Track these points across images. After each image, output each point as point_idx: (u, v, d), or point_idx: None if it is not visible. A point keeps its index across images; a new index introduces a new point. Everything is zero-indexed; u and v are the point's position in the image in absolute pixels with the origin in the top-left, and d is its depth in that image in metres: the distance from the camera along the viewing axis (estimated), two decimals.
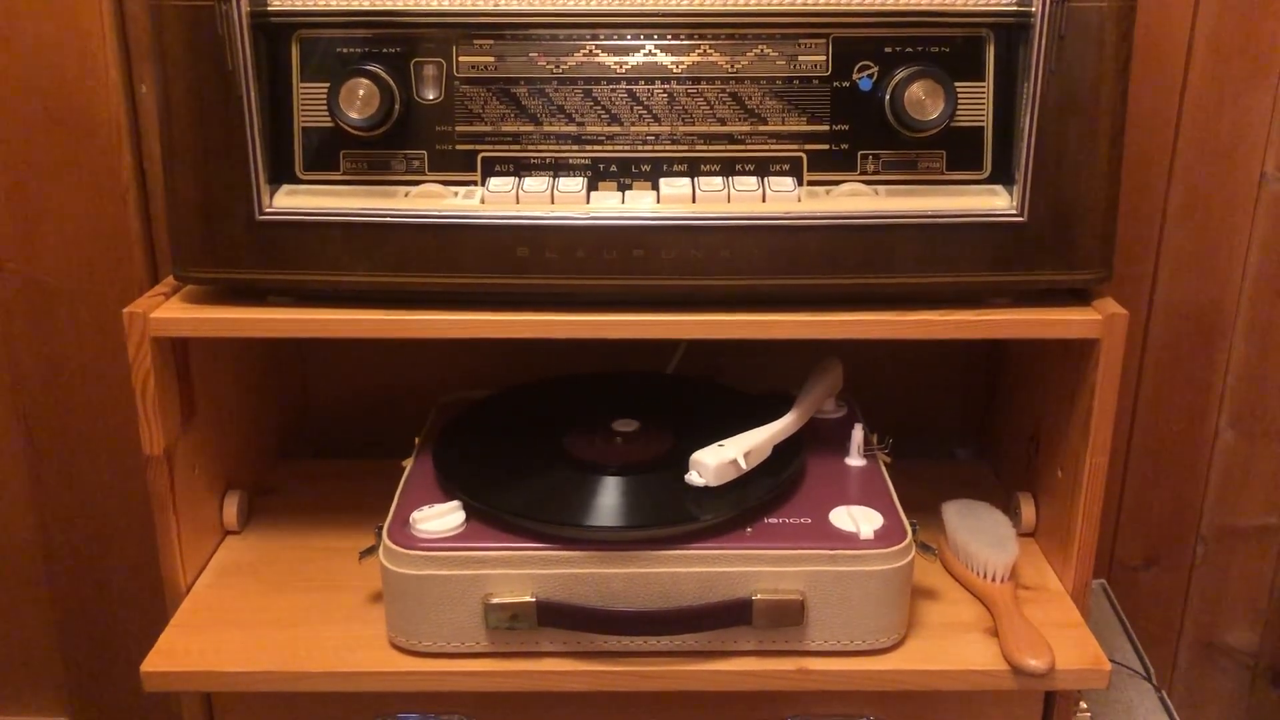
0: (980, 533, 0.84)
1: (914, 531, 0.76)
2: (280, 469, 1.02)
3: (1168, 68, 0.99)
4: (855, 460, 0.84)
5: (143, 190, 0.97)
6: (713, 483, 0.75)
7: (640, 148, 0.75)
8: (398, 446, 0.88)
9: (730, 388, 0.95)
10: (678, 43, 0.74)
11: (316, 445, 1.10)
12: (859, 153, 0.75)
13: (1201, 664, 1.19)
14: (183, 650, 0.77)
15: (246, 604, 0.82)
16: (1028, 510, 0.89)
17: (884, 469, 0.84)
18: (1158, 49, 0.99)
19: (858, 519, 0.75)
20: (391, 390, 1.07)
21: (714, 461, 0.75)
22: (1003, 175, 0.75)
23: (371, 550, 0.76)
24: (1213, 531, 1.14)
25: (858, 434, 0.84)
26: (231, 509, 0.89)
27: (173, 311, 0.76)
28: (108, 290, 0.98)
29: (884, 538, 0.74)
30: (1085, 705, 0.83)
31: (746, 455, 0.76)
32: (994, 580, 0.81)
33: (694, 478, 0.76)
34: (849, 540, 0.74)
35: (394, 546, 0.74)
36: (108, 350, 1.00)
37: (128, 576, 1.09)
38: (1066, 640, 0.77)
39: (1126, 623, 1.07)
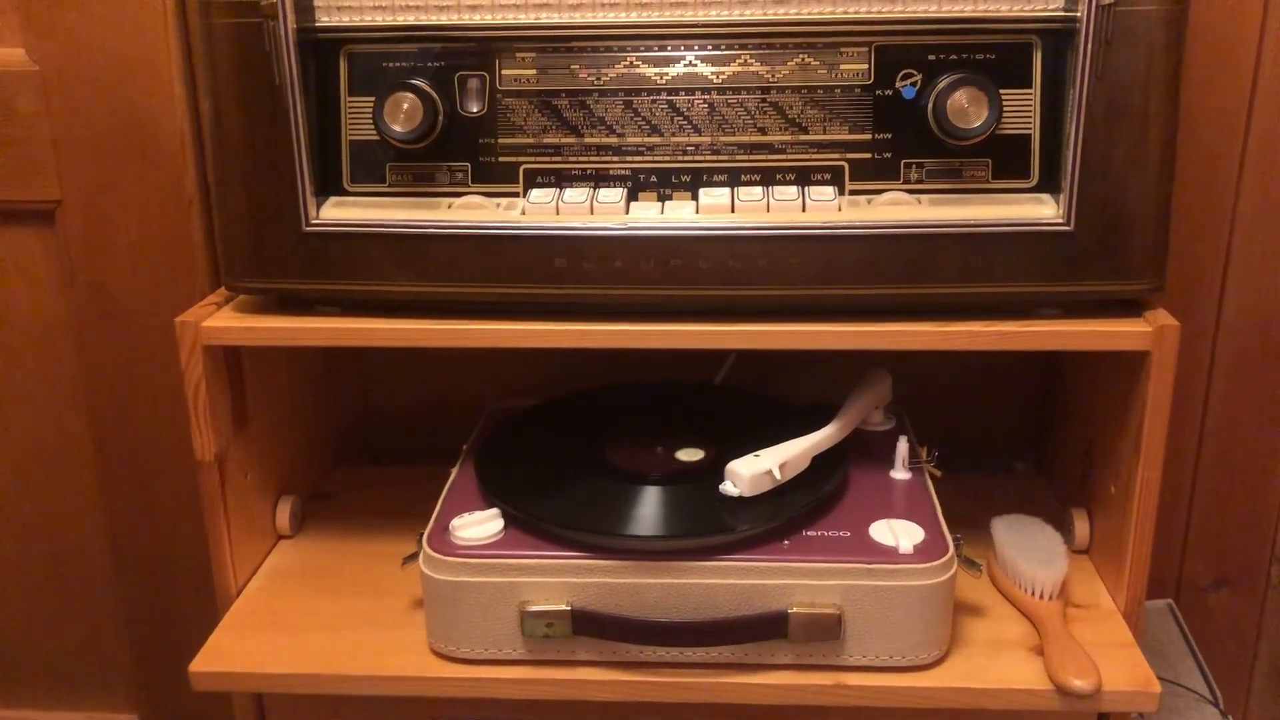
0: (1029, 549, 0.82)
1: (957, 546, 0.75)
2: (336, 475, 1.04)
3: (1236, 72, 0.96)
4: (900, 473, 0.83)
5: (206, 202, 1.00)
6: (747, 493, 0.75)
7: (680, 158, 0.75)
8: (453, 454, 0.89)
9: (776, 399, 0.94)
10: (718, 53, 0.74)
11: (376, 452, 1.12)
12: (902, 161, 0.74)
13: (1277, 691, 1.15)
14: (230, 652, 0.79)
15: (294, 607, 0.83)
16: (1081, 526, 0.87)
17: (929, 482, 0.82)
18: (1226, 52, 0.96)
19: (898, 533, 0.74)
20: (449, 398, 1.08)
21: (749, 472, 0.75)
22: (1050, 184, 0.74)
23: (413, 557, 0.77)
24: None
25: (902, 446, 0.83)
26: (284, 514, 0.91)
27: (223, 321, 0.78)
28: (172, 299, 1.01)
29: (924, 552, 0.73)
30: None
31: (782, 466, 0.76)
32: (1042, 597, 0.80)
33: (729, 488, 0.75)
34: (888, 554, 0.73)
35: (433, 553, 0.75)
36: (172, 358, 1.02)
37: (195, 576, 1.11)
38: (1116, 660, 0.75)
39: (1194, 645, 1.04)
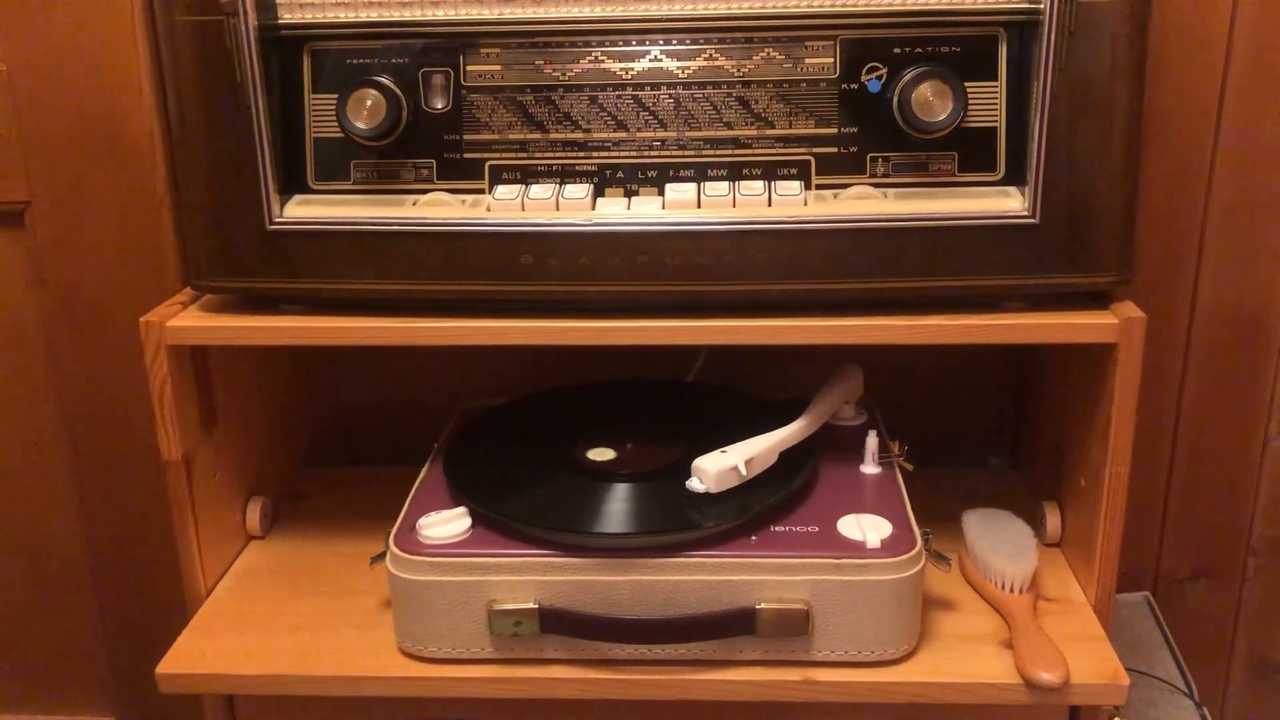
0: (1000, 543, 0.82)
1: (925, 540, 0.75)
2: (309, 475, 1.04)
3: (1207, 62, 0.96)
4: (870, 468, 0.83)
5: (176, 202, 0.99)
6: (714, 489, 0.75)
7: (646, 153, 0.75)
8: (426, 453, 0.89)
9: (749, 395, 0.94)
10: (683, 47, 0.74)
11: (350, 452, 1.11)
12: (868, 155, 0.74)
13: (1255, 683, 1.15)
14: (198, 653, 0.78)
15: (263, 608, 0.83)
16: (1052, 520, 0.87)
17: (899, 476, 0.82)
18: (1197, 42, 0.96)
19: (865, 527, 0.74)
20: (421, 397, 1.08)
21: (715, 468, 0.74)
22: (1017, 176, 0.73)
23: (381, 556, 0.77)
24: (1264, 544, 1.10)
25: (872, 441, 0.83)
26: (254, 514, 0.91)
27: (188, 320, 0.77)
28: (144, 300, 0.99)
29: (891, 546, 0.73)
30: None
31: (748, 462, 0.75)
32: (1012, 591, 0.79)
33: (695, 484, 0.75)
34: (855, 549, 0.73)
35: (400, 553, 0.74)
36: (144, 359, 1.02)
37: (171, 578, 1.09)
38: (1085, 653, 0.75)
39: (1170, 637, 1.04)
